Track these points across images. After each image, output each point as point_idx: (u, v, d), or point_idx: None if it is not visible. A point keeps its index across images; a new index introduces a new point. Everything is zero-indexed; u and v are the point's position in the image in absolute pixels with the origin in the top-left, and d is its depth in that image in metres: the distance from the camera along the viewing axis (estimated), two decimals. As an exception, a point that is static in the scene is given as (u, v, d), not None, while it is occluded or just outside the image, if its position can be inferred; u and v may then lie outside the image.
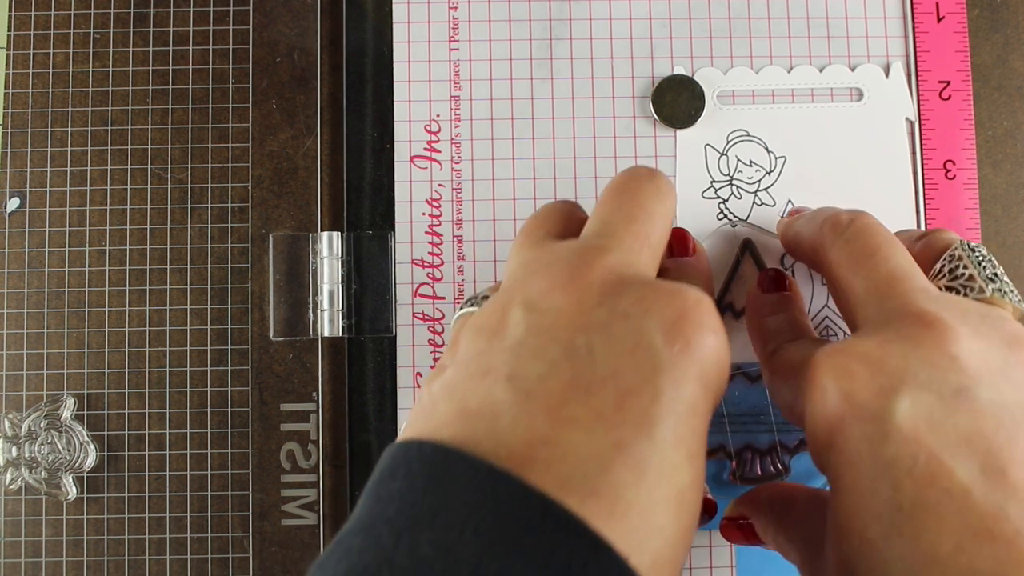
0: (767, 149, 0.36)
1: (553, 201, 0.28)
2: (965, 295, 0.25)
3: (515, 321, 0.22)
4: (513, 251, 0.26)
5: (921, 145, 0.35)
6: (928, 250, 0.27)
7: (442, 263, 0.35)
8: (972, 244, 0.27)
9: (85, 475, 0.34)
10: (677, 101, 0.36)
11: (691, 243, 0.29)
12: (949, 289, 0.26)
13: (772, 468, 0.33)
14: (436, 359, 0.35)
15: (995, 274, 0.26)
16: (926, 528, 0.20)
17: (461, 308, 0.27)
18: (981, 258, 0.26)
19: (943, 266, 0.26)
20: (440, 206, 0.35)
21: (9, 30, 0.36)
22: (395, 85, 0.36)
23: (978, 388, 0.21)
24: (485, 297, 0.27)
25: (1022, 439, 0.21)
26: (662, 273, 0.28)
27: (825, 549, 0.24)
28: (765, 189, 0.35)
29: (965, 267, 0.26)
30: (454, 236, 0.35)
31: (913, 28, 0.36)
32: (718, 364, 0.22)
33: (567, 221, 0.26)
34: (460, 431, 0.20)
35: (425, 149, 0.36)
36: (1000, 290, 0.25)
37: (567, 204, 0.27)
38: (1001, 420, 0.21)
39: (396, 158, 0.36)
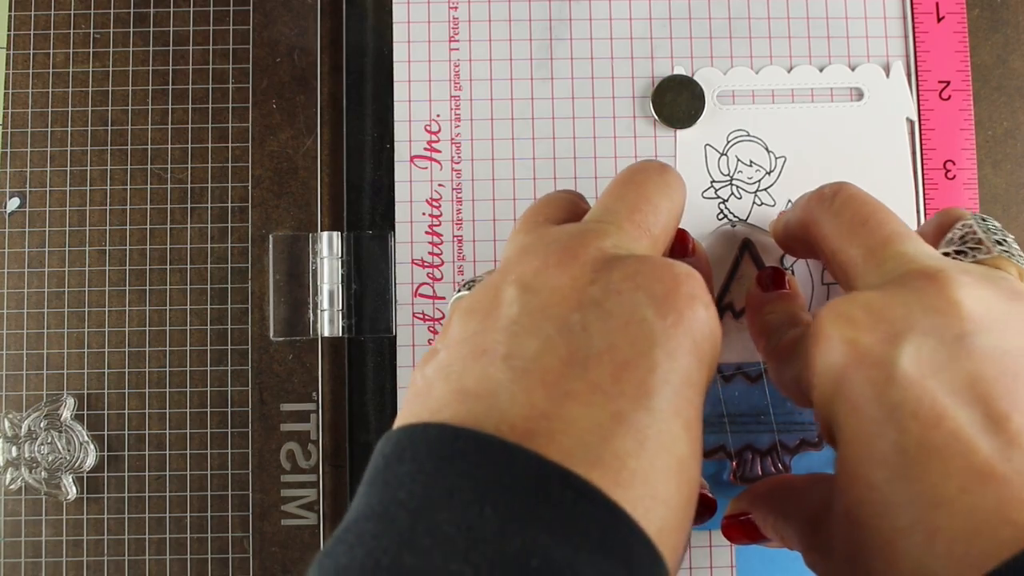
0: (767, 149, 0.36)
1: (556, 190, 0.28)
2: (973, 257, 0.26)
3: (508, 300, 0.22)
4: (511, 235, 0.26)
5: (921, 145, 0.35)
6: (941, 225, 0.28)
7: (442, 263, 0.35)
8: (984, 216, 0.27)
9: (85, 475, 0.34)
10: (677, 101, 0.36)
11: (690, 243, 0.30)
12: (958, 253, 0.26)
13: (772, 468, 0.33)
14: (436, 359, 0.35)
15: (1004, 239, 0.26)
16: (931, 470, 0.20)
17: (457, 292, 0.27)
18: (992, 227, 0.26)
19: (954, 234, 0.27)
20: (440, 206, 0.35)
21: (9, 30, 0.36)
22: (395, 85, 0.36)
23: (980, 334, 0.22)
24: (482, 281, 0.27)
25: None
26: None
27: (827, 520, 0.24)
28: (765, 189, 0.35)
29: (975, 233, 0.26)
30: (454, 236, 0.35)
31: (913, 28, 0.36)
32: (711, 336, 0.22)
33: (569, 210, 0.26)
34: (459, 411, 0.20)
35: (425, 149, 0.36)
36: (1008, 251, 0.25)
37: (570, 194, 0.27)
38: (1004, 366, 0.21)
39: (396, 158, 0.36)
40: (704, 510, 0.29)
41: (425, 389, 0.22)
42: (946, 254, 0.26)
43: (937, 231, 0.28)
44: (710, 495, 0.29)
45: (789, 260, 0.35)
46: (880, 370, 0.22)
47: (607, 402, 0.20)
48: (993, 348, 0.21)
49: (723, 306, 0.34)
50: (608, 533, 0.18)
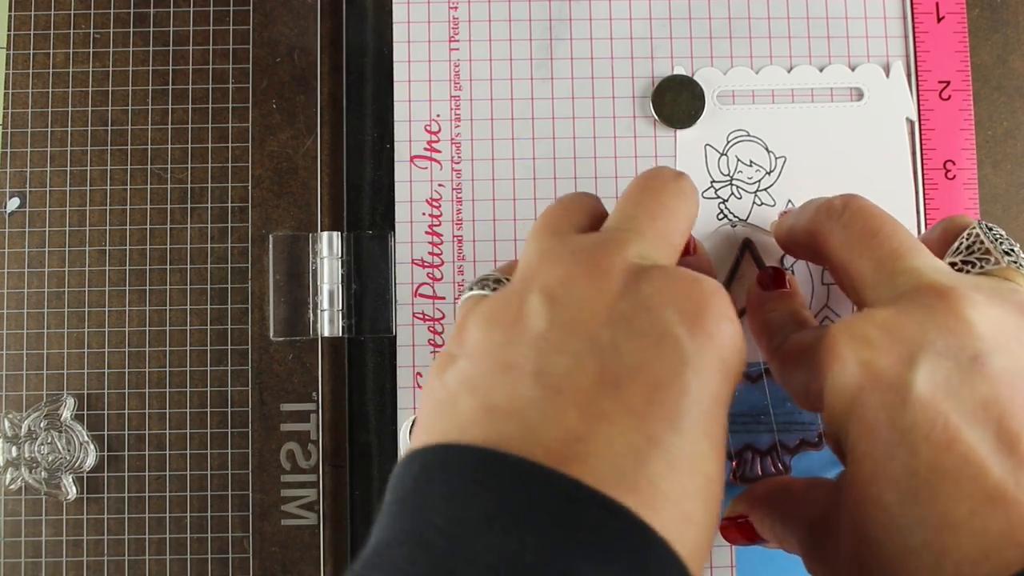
0: (767, 149, 0.36)
1: (576, 192, 0.28)
2: (981, 268, 0.25)
3: (535, 312, 0.22)
4: (532, 239, 0.25)
5: (921, 145, 0.35)
6: (947, 233, 0.27)
7: (442, 263, 0.35)
8: (989, 224, 0.27)
9: (85, 475, 0.34)
10: (677, 101, 0.36)
11: (692, 242, 0.30)
12: (965, 263, 0.26)
13: (772, 468, 0.33)
14: (436, 359, 0.35)
15: (1012, 249, 0.26)
16: (942, 493, 0.20)
17: (469, 289, 0.26)
18: (998, 236, 0.26)
19: (960, 243, 0.27)
20: (440, 206, 0.35)
21: (9, 30, 0.36)
22: (395, 85, 0.36)
23: (994, 355, 0.22)
24: (497, 281, 0.26)
25: None
26: None
27: (832, 526, 0.24)
28: (765, 189, 0.35)
29: (982, 242, 0.26)
30: (454, 236, 0.35)
31: (913, 28, 0.36)
32: (738, 353, 0.22)
33: (590, 215, 0.26)
34: (490, 430, 0.20)
35: (425, 149, 0.36)
36: (1016, 262, 0.25)
37: (590, 197, 0.27)
38: (1016, 387, 0.21)
39: (396, 158, 0.36)
40: None
41: (450, 402, 0.21)
42: (952, 264, 0.26)
43: (942, 239, 0.27)
44: None
45: (789, 260, 0.35)
46: (894, 393, 0.22)
47: (640, 424, 0.20)
48: (1006, 369, 0.21)
49: None
50: (645, 558, 0.18)
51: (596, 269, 0.22)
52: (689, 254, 0.29)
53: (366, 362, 0.35)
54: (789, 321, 0.29)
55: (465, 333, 0.23)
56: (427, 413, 0.22)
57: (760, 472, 0.33)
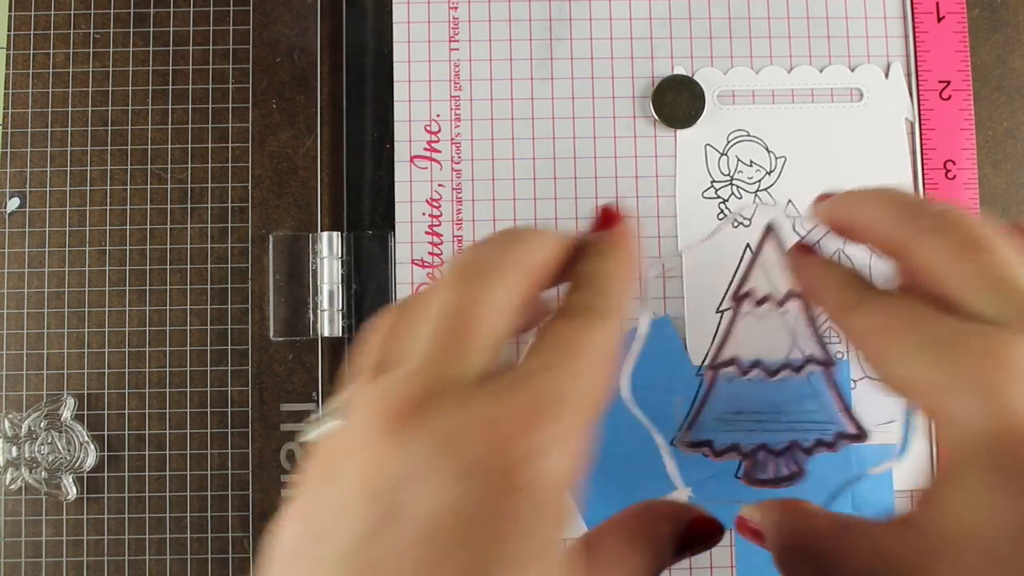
0: (767, 149, 0.36)
1: (372, 325, 0.24)
2: None
3: (333, 477, 0.20)
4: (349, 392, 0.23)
5: (921, 145, 0.35)
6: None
7: (442, 263, 0.35)
8: None
9: (85, 475, 0.34)
10: (677, 101, 0.36)
11: (618, 218, 0.25)
12: None
13: (786, 469, 0.33)
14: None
15: None
16: None
17: (310, 429, 0.24)
18: None
19: None
20: (440, 206, 0.35)
21: (9, 30, 0.36)
22: (395, 85, 0.36)
23: None
24: (334, 421, 0.24)
25: None
26: (580, 250, 0.25)
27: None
28: (765, 189, 0.35)
29: None
30: (454, 236, 0.35)
31: (913, 28, 0.36)
32: (561, 481, 0.20)
33: (395, 341, 0.23)
34: None
35: (425, 149, 0.36)
36: None
37: (384, 322, 0.24)
38: None
39: (396, 158, 0.36)
40: (711, 536, 0.27)
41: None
42: None
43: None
44: (711, 517, 0.27)
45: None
46: None
47: None
48: None
49: (740, 295, 0.33)
50: None
51: (388, 422, 0.20)
52: (611, 227, 0.25)
53: (366, 362, 0.35)
54: (854, 277, 0.26)
55: (306, 481, 0.22)
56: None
57: (772, 474, 0.33)
